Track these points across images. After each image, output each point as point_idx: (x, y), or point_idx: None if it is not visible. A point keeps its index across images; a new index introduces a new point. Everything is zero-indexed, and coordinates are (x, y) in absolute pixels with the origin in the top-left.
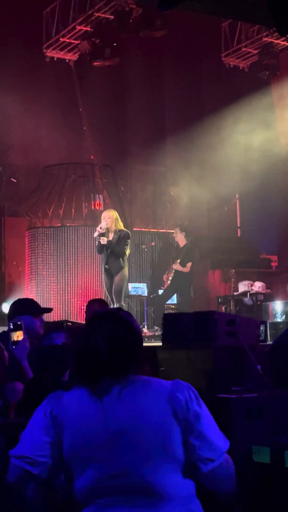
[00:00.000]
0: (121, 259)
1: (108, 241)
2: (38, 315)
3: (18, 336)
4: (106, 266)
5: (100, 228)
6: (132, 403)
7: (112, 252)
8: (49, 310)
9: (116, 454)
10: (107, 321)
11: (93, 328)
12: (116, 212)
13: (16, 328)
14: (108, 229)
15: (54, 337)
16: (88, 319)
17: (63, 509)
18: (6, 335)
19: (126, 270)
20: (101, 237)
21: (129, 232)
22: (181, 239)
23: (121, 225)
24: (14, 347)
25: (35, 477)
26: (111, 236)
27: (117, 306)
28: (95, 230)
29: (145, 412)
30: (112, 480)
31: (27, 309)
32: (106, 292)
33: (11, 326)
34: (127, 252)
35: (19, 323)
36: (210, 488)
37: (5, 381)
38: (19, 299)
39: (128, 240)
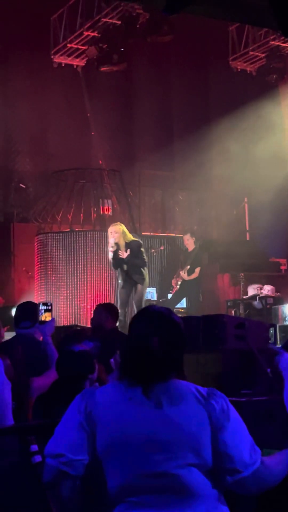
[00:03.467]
0: (142, 268)
1: (128, 256)
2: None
3: (46, 317)
4: (126, 278)
5: (112, 247)
6: (168, 405)
7: (132, 266)
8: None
9: (148, 453)
10: (163, 322)
11: (144, 324)
12: (121, 225)
13: (46, 310)
14: (117, 244)
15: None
16: (136, 314)
17: (99, 505)
18: (22, 337)
19: (147, 278)
20: (119, 252)
21: (139, 240)
22: (190, 243)
23: (130, 237)
24: (41, 326)
25: (71, 477)
26: (123, 250)
27: None
28: (109, 250)
29: (179, 415)
30: (144, 479)
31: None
32: (119, 304)
33: (42, 308)
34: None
35: (49, 306)
36: (239, 492)
37: (24, 379)
38: (21, 304)
39: (141, 249)
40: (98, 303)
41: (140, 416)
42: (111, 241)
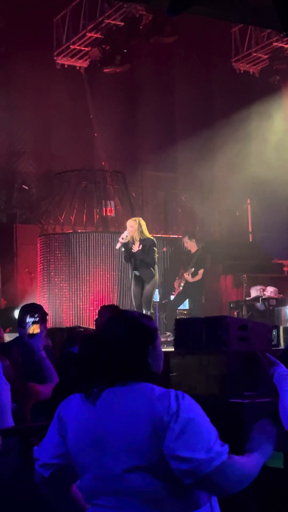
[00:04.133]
0: (151, 267)
1: (138, 251)
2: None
3: (34, 329)
4: (136, 273)
5: (122, 238)
6: (118, 409)
7: (142, 262)
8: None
9: (98, 457)
10: (118, 325)
11: (102, 330)
12: (140, 220)
13: (34, 322)
14: (133, 238)
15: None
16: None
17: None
18: (20, 340)
19: (157, 278)
20: (133, 246)
21: (154, 239)
22: (192, 245)
23: (146, 234)
24: (31, 339)
25: (46, 479)
26: (136, 245)
27: (147, 313)
28: (118, 240)
29: (127, 419)
30: (103, 482)
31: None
32: (132, 299)
33: (29, 321)
34: (156, 259)
35: (36, 318)
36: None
37: (20, 384)
38: (24, 305)
39: (154, 248)
40: (103, 305)
41: (96, 420)
42: (125, 233)
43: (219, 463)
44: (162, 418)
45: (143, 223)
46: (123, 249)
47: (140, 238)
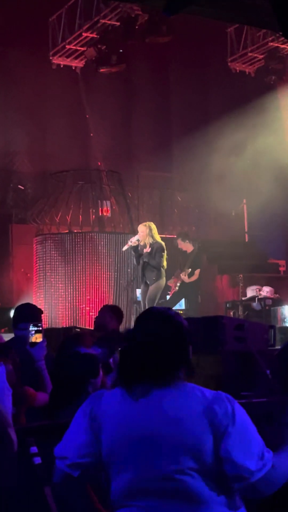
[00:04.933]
0: (156, 270)
1: (146, 253)
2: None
3: (37, 338)
4: (143, 275)
5: (130, 241)
6: (170, 408)
7: (148, 264)
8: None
9: (150, 457)
10: (167, 323)
11: (146, 328)
12: (151, 224)
13: (37, 332)
14: (144, 242)
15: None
16: (137, 317)
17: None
18: (18, 340)
19: (162, 282)
20: (144, 249)
21: (163, 243)
22: (187, 246)
23: (157, 238)
24: (32, 348)
25: (74, 479)
26: (148, 249)
27: None
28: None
29: (181, 419)
30: (148, 483)
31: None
32: (141, 298)
33: (32, 329)
34: (164, 263)
35: (39, 327)
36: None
37: (18, 386)
38: (20, 305)
39: (162, 253)
40: (105, 304)
41: (143, 419)
42: (134, 238)
43: (267, 470)
44: (221, 421)
45: (153, 227)
46: (133, 252)
47: (150, 242)
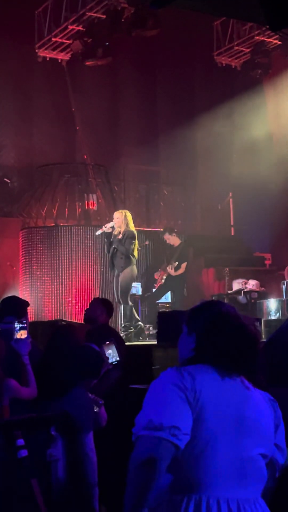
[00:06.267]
0: (124, 257)
1: (117, 239)
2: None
3: (21, 334)
4: (112, 263)
5: (105, 227)
6: (253, 395)
7: (117, 251)
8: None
9: (240, 439)
10: (247, 319)
11: (244, 323)
12: (125, 212)
13: (21, 328)
14: (117, 229)
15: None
16: (217, 312)
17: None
18: (4, 333)
19: (131, 270)
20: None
21: (134, 231)
22: (174, 240)
23: (131, 226)
24: (17, 344)
25: (178, 451)
26: (120, 236)
27: (123, 306)
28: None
29: (261, 407)
30: (233, 462)
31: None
32: (115, 293)
33: (17, 326)
34: (134, 252)
35: (24, 324)
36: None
37: (2, 379)
38: (5, 298)
39: (133, 240)
40: (95, 297)
41: (235, 403)
42: (110, 223)
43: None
44: (279, 413)
45: (129, 215)
46: (105, 239)
47: (123, 230)
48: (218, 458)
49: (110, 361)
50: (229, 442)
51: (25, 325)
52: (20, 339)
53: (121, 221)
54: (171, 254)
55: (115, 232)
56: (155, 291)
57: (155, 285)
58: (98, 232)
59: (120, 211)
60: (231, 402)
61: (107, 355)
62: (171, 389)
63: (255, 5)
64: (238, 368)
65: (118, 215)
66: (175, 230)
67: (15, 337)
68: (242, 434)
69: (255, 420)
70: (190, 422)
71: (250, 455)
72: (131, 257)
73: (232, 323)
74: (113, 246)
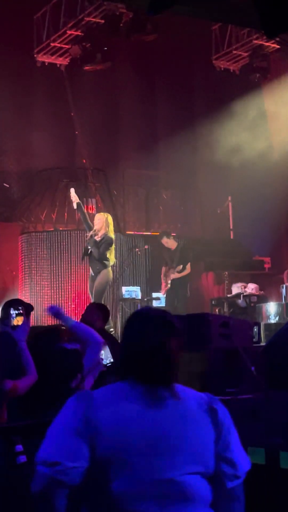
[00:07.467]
0: (99, 261)
1: (93, 241)
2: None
3: (18, 320)
4: (90, 269)
5: (73, 197)
6: (173, 409)
7: (92, 254)
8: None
9: (153, 459)
10: (174, 326)
11: (156, 326)
12: (108, 215)
13: (18, 315)
14: (96, 231)
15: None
16: (134, 316)
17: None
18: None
19: (107, 272)
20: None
21: (112, 238)
22: (172, 243)
23: (111, 230)
24: (14, 330)
25: (65, 486)
26: (99, 237)
27: None
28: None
29: (185, 419)
30: (149, 486)
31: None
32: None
33: (13, 313)
34: (110, 256)
35: (20, 310)
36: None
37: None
38: (8, 300)
39: (109, 246)
40: (91, 302)
41: (145, 420)
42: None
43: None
44: (223, 420)
45: (110, 219)
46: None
47: (103, 233)
48: (125, 482)
49: (104, 362)
50: (137, 464)
51: (21, 311)
52: (17, 326)
53: (102, 223)
54: (171, 258)
55: (93, 233)
56: (166, 297)
57: (160, 291)
58: (87, 239)
59: (102, 213)
60: (142, 422)
61: (101, 357)
62: (64, 417)
63: (251, 11)
64: (152, 380)
65: (100, 217)
66: (172, 234)
67: (12, 324)
68: (159, 455)
69: (179, 438)
70: (82, 453)
71: (171, 476)
72: (105, 262)
73: (140, 329)
74: (88, 247)
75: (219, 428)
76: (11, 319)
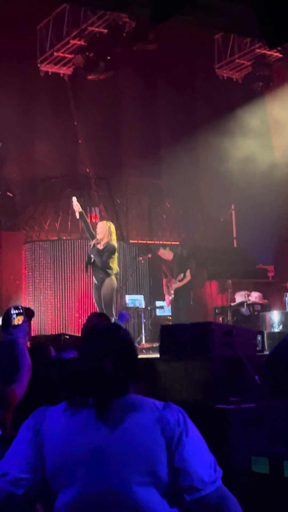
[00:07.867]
0: (102, 270)
1: (96, 250)
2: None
3: (18, 320)
4: (94, 278)
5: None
6: (119, 421)
7: (95, 263)
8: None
9: (97, 472)
10: (112, 341)
11: (94, 345)
12: (110, 224)
13: (18, 314)
14: (99, 239)
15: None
16: (85, 333)
17: None
18: (5, 345)
19: (111, 280)
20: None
21: (115, 246)
22: (168, 254)
23: (113, 239)
24: (14, 329)
25: (18, 498)
26: (101, 246)
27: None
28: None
29: (131, 431)
30: (94, 498)
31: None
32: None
33: (13, 312)
34: (112, 265)
35: (20, 310)
36: None
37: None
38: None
39: (112, 255)
40: (93, 312)
41: (89, 434)
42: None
43: (220, 485)
44: (174, 429)
45: (113, 228)
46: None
47: (106, 242)
48: (70, 495)
49: None
50: (82, 477)
51: (21, 311)
52: (17, 325)
53: (105, 232)
54: (170, 269)
55: (96, 242)
56: (171, 308)
57: (164, 301)
58: (76, 206)
59: (104, 222)
60: (84, 434)
61: None
62: (21, 430)
63: (253, 20)
64: (89, 399)
65: (102, 225)
66: (165, 246)
67: (12, 324)
68: (104, 466)
69: (124, 449)
70: (33, 463)
71: (116, 488)
72: (108, 270)
73: (80, 349)
74: (91, 255)
75: (170, 438)
76: (12, 319)
